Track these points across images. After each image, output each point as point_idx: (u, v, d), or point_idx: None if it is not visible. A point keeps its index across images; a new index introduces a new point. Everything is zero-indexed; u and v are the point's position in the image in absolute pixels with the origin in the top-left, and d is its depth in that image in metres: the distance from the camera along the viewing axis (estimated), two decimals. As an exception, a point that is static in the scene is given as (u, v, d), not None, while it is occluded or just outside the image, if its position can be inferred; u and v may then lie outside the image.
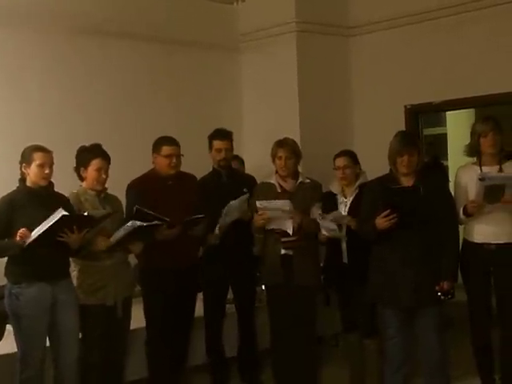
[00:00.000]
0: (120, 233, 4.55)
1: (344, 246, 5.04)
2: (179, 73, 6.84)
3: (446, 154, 9.39)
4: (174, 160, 5.06)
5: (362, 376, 5.26)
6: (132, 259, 4.99)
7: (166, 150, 5.05)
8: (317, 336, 5.52)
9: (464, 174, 4.82)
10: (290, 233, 4.95)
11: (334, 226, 4.92)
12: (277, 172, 5.19)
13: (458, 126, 8.96)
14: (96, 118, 6.25)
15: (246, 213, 5.17)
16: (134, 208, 4.62)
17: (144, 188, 5.03)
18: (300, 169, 5.32)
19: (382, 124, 6.52)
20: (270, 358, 5.40)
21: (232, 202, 5.07)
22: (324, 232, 5.00)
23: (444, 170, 8.26)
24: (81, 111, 6.20)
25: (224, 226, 5.14)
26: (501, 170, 4.67)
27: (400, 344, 4.69)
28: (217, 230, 5.14)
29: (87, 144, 4.75)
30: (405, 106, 6.93)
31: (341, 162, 5.14)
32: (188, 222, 4.93)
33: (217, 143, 5.39)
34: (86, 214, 4.42)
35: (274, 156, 5.17)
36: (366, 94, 7.16)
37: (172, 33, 6.74)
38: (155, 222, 4.62)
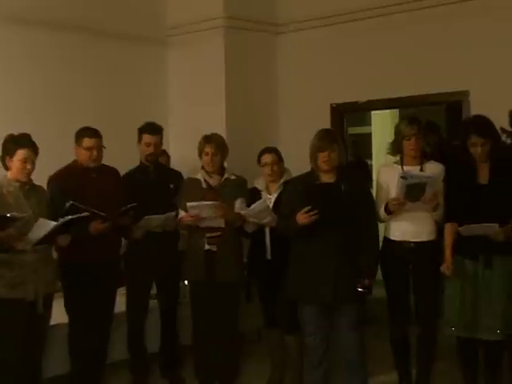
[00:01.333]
0: (48, 227, 4.45)
1: (268, 241, 5.07)
2: (104, 64, 6.70)
3: (371, 153, 9.53)
4: (95, 153, 4.96)
5: (283, 371, 5.31)
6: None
7: (86, 142, 4.95)
8: (239, 331, 5.54)
9: (386, 173, 4.91)
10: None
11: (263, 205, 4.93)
12: (203, 167, 5.18)
13: (382, 126, 9.10)
14: (15, 107, 6.05)
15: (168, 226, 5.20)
16: (68, 204, 4.52)
17: (67, 181, 4.92)
18: (226, 165, 5.33)
19: (308, 122, 6.56)
20: (192, 353, 5.39)
21: (153, 217, 5.10)
22: (253, 219, 5.00)
23: (367, 169, 8.39)
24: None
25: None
26: (422, 170, 4.77)
27: (320, 340, 4.75)
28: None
29: (15, 133, 4.62)
30: (330, 105, 7.00)
31: (269, 158, 5.16)
32: (120, 215, 4.87)
33: (146, 137, 5.34)
34: (8, 215, 4.25)
35: (200, 151, 5.17)
36: (293, 92, 7.19)
37: (97, 23, 6.59)
38: (85, 213, 4.54)
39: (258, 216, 4.96)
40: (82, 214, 4.51)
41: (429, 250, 4.81)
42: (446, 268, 4.60)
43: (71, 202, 4.53)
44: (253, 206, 4.95)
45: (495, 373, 4.76)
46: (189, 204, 4.95)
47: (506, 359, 4.82)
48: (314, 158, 4.66)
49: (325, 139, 4.64)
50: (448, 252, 4.61)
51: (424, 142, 4.85)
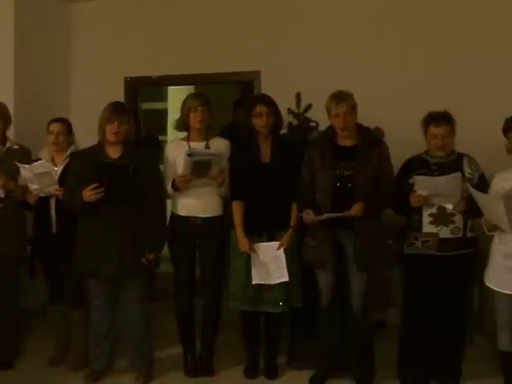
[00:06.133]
0: None
1: (53, 214, 4.95)
2: None
3: (166, 129, 9.55)
4: None
5: (67, 347, 5.23)
6: None
7: None
8: (22, 308, 5.38)
9: (173, 149, 4.94)
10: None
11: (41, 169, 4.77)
12: (-17, 136, 4.98)
13: (178, 102, 9.03)
14: None
15: None
16: None
17: None
18: (11, 135, 5.14)
19: (101, 95, 6.32)
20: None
21: None
22: (34, 186, 4.83)
23: (157, 145, 8.35)
24: None
25: None
26: (208, 146, 4.84)
27: (105, 314, 4.79)
28: None
29: None
30: (124, 78, 6.92)
31: (55, 127, 5.02)
32: None
33: None
34: None
35: (-19, 119, 4.95)
36: (87, 63, 7.02)
37: None
38: None
39: (40, 181, 4.80)
40: None
41: (215, 225, 4.89)
42: (243, 247, 4.71)
43: None
44: (32, 165, 4.79)
45: (275, 343, 4.98)
46: None
47: (285, 329, 5.06)
48: (102, 129, 4.63)
49: (115, 111, 4.63)
50: (239, 230, 4.74)
51: (211, 117, 4.90)
